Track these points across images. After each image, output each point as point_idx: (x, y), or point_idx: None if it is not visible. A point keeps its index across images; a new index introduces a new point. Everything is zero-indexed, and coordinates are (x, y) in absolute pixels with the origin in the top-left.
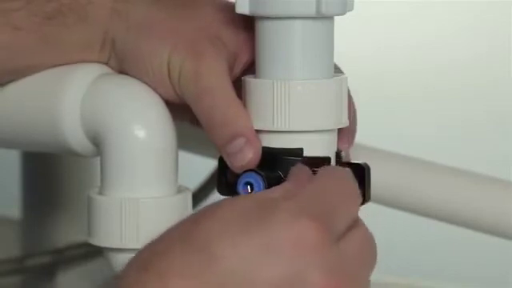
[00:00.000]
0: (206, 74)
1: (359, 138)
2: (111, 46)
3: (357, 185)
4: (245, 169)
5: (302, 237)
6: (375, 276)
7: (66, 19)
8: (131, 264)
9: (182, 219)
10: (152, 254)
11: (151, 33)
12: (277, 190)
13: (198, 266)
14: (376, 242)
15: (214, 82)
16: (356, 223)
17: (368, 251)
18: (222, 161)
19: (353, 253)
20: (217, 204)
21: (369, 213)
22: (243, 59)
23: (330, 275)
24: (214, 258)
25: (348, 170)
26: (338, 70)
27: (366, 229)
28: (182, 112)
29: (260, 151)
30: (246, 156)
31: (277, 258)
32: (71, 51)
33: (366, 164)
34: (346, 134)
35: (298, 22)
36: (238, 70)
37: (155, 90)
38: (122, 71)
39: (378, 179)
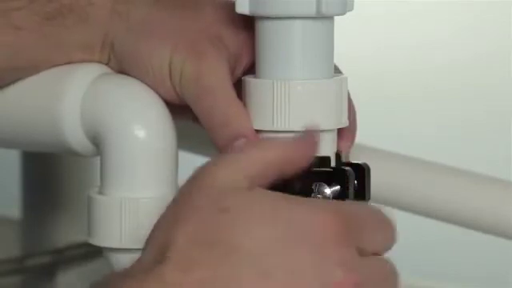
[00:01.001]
0: (206, 74)
1: (359, 137)
2: (111, 46)
3: (393, 224)
4: None
5: (324, 227)
6: None
7: (66, 20)
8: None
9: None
10: (161, 250)
11: (152, 33)
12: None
13: (217, 256)
14: None
15: (214, 83)
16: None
17: (389, 280)
18: None
19: (375, 272)
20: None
21: None
22: (244, 60)
23: (349, 272)
24: (235, 251)
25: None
26: (337, 71)
27: (393, 265)
28: (182, 112)
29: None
30: None
31: (299, 245)
32: (72, 51)
33: (365, 164)
34: (345, 134)
35: (297, 22)
36: (238, 70)
37: (156, 90)
38: (122, 72)
39: (378, 179)
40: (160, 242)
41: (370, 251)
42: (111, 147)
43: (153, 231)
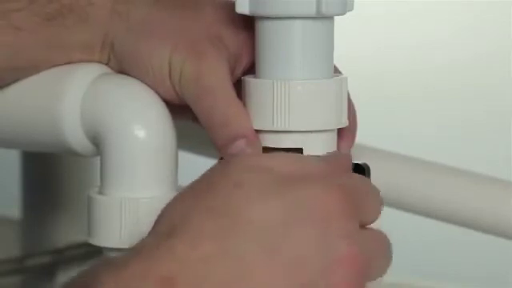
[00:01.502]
0: (206, 74)
1: (359, 137)
2: (111, 46)
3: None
4: None
5: (330, 205)
6: None
7: (66, 20)
8: (151, 234)
9: (190, 186)
10: (172, 223)
11: (151, 33)
12: (311, 161)
13: (227, 228)
14: None
15: (214, 83)
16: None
17: (385, 253)
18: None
19: (373, 244)
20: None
21: None
22: (244, 60)
23: (352, 246)
24: (243, 224)
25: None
26: (336, 71)
27: (386, 236)
28: (182, 112)
29: (260, 152)
30: None
31: (306, 219)
32: (72, 52)
33: (365, 164)
34: (346, 134)
35: (297, 22)
36: (238, 70)
37: (155, 90)
38: (121, 72)
39: (378, 179)
40: (173, 217)
41: (366, 223)
42: (111, 147)
43: (166, 208)
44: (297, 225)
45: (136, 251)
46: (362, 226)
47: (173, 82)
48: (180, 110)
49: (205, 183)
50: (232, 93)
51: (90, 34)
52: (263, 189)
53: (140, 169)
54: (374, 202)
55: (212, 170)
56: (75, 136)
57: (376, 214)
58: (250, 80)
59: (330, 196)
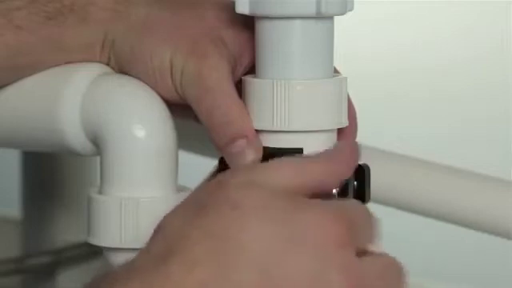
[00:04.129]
0: (208, 74)
1: (359, 137)
2: (111, 46)
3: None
4: None
5: (326, 230)
6: None
7: (67, 20)
8: (140, 258)
9: (182, 206)
10: (168, 245)
11: (152, 33)
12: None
13: (223, 253)
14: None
15: (215, 82)
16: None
17: (392, 277)
18: (222, 161)
19: (375, 272)
20: (235, 191)
21: None
22: (245, 60)
23: (350, 277)
24: (240, 249)
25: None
26: (335, 71)
27: (395, 259)
28: (183, 111)
29: (261, 152)
30: (247, 157)
31: (301, 248)
32: (72, 51)
33: (365, 165)
34: (345, 134)
35: (297, 22)
36: (239, 71)
37: (156, 90)
38: (122, 71)
39: (378, 179)
40: (169, 237)
41: (364, 249)
42: (111, 147)
43: (161, 225)
44: (293, 253)
45: (134, 272)
46: (361, 252)
47: (174, 82)
48: (181, 109)
49: (200, 202)
50: (233, 93)
51: (91, 34)
52: (259, 212)
53: (140, 169)
54: (371, 227)
55: (208, 188)
56: (75, 136)
57: (372, 238)
58: (249, 80)
59: (327, 223)
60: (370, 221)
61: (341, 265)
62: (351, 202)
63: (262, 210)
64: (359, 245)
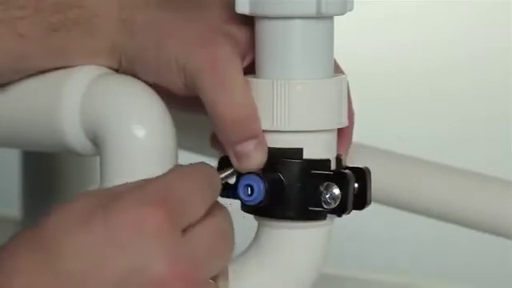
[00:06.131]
0: (221, 65)
1: (359, 138)
2: (120, 53)
3: (214, 173)
4: (250, 170)
5: (143, 224)
6: (375, 275)
7: (71, 32)
8: None
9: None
10: (2, 254)
11: (158, 32)
12: (125, 185)
13: (42, 264)
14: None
15: (231, 76)
16: (212, 212)
17: (220, 241)
18: (222, 161)
19: (203, 242)
20: (68, 202)
21: (369, 212)
22: (248, 59)
23: (175, 263)
24: (57, 258)
25: (205, 163)
26: (338, 69)
27: (223, 219)
28: (187, 103)
29: (267, 155)
30: (254, 158)
31: (119, 251)
32: (76, 60)
33: (366, 168)
34: (344, 134)
35: (297, 22)
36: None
37: (166, 87)
38: (133, 73)
39: (378, 179)
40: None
41: (195, 218)
42: (111, 147)
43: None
44: (110, 257)
45: None
46: (191, 225)
47: (185, 78)
48: (185, 101)
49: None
50: (249, 89)
51: (96, 46)
52: (69, 222)
53: (140, 169)
54: (202, 190)
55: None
56: (75, 136)
57: (206, 202)
58: (250, 80)
59: (143, 216)
60: (194, 189)
61: (162, 254)
62: (167, 181)
63: (78, 217)
64: (186, 219)
